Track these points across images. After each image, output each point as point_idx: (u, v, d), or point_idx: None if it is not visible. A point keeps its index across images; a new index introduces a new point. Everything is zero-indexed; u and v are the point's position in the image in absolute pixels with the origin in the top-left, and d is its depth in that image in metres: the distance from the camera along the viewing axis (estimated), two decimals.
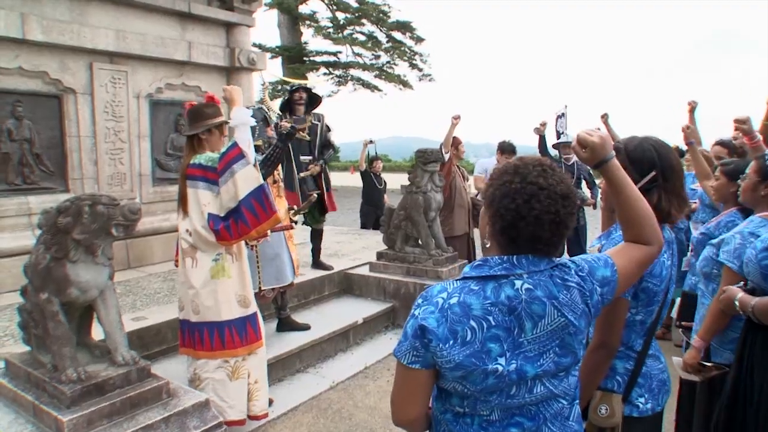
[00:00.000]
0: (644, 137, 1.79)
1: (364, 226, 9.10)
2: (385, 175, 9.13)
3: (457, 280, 1.30)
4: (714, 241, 2.52)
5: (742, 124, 3.07)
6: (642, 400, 1.73)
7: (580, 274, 1.33)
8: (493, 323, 1.22)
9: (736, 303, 2.05)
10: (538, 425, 1.30)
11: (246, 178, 2.96)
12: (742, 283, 2.16)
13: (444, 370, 1.25)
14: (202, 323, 3.08)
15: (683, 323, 2.73)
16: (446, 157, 6.00)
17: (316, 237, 5.83)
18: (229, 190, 2.97)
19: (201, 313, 3.07)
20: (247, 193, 2.96)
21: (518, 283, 1.25)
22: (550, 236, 1.24)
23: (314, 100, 5.77)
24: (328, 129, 5.79)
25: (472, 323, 1.22)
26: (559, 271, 1.30)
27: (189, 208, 3.09)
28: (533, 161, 1.29)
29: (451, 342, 1.21)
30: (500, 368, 1.22)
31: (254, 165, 3.00)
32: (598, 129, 1.50)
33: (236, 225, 2.98)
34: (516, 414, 1.30)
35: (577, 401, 1.40)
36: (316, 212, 5.69)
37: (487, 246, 1.36)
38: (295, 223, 4.85)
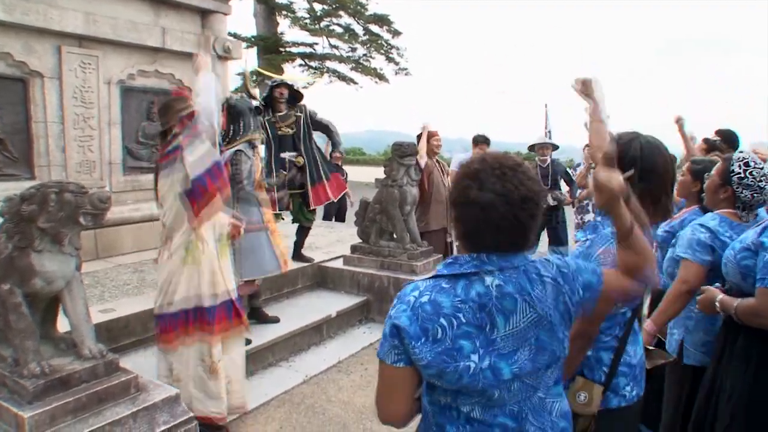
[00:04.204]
0: (639, 135, 1.79)
1: (326, 215, 9.15)
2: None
3: (429, 278, 1.30)
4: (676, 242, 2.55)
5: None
6: (628, 388, 1.76)
7: (563, 270, 1.32)
8: (463, 320, 1.22)
9: (717, 304, 2.06)
10: (520, 425, 1.30)
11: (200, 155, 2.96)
12: (718, 284, 2.17)
13: (419, 368, 1.26)
14: (178, 311, 3.08)
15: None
16: (422, 163, 5.79)
17: (302, 233, 5.78)
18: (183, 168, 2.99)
19: (175, 303, 3.07)
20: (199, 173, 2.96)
21: (488, 279, 1.25)
22: (513, 239, 1.25)
23: (296, 95, 5.63)
24: (314, 113, 5.65)
25: (442, 321, 1.22)
26: (538, 265, 1.30)
27: (164, 195, 3.09)
28: (494, 162, 1.25)
29: (423, 340, 1.22)
30: (473, 365, 1.22)
31: (209, 142, 2.99)
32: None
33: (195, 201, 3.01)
34: (498, 415, 1.29)
35: (562, 396, 1.39)
36: (305, 209, 5.58)
37: (457, 244, 1.36)
38: (282, 218, 4.83)
